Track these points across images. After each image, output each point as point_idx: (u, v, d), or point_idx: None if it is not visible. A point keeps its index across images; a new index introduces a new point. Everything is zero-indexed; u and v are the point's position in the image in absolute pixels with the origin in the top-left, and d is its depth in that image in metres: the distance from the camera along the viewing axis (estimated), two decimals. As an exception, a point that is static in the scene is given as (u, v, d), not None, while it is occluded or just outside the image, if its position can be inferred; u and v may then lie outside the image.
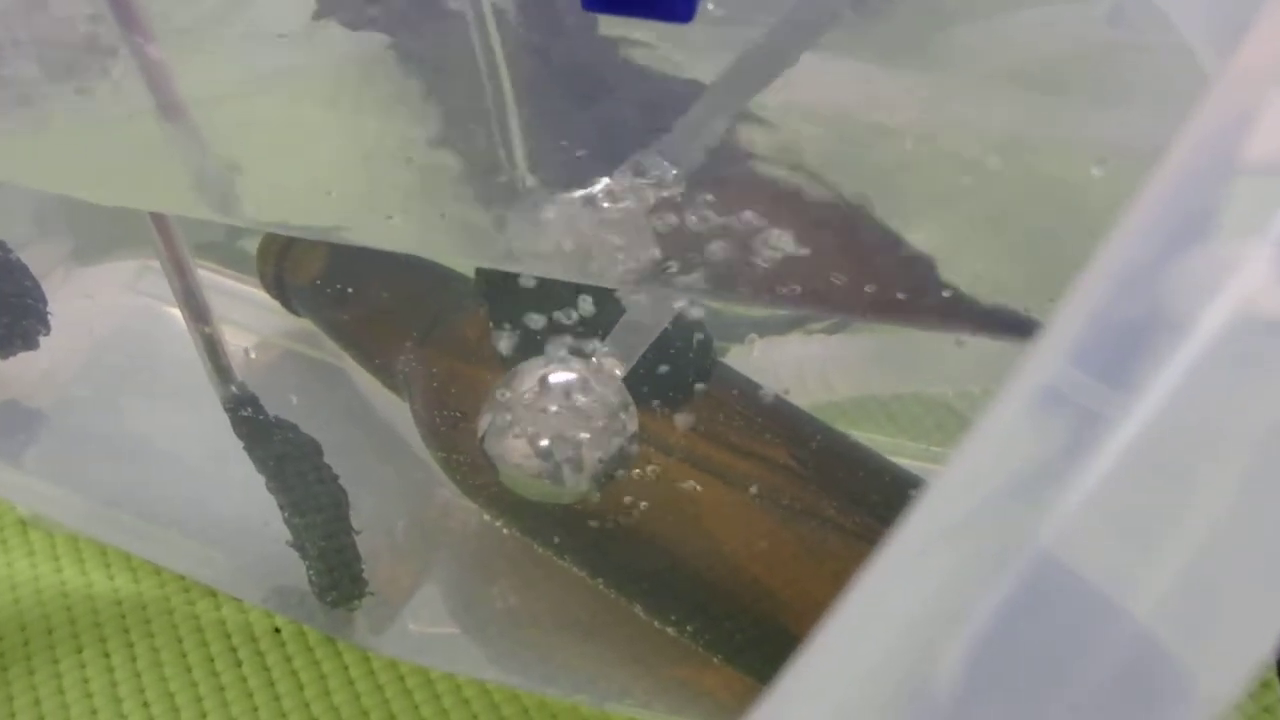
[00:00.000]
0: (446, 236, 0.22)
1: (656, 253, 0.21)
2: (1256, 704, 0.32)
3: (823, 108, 0.23)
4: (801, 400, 0.29)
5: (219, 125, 0.24)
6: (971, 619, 0.08)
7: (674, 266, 0.21)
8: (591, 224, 0.21)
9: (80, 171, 0.25)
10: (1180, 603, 0.08)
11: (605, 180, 0.21)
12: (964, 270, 0.22)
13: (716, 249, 0.21)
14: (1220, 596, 0.08)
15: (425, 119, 0.23)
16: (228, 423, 0.31)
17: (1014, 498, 0.09)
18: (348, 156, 0.23)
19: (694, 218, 0.22)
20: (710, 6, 0.16)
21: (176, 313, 0.30)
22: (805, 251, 0.21)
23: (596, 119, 0.23)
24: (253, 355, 0.33)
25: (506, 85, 0.23)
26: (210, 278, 0.38)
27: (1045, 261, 0.23)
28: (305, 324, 0.36)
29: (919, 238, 0.22)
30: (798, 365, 0.31)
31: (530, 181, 0.22)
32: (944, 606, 0.09)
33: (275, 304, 0.37)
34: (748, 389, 0.28)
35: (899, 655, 0.09)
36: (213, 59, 0.24)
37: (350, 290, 0.33)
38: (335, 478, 0.31)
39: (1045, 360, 0.10)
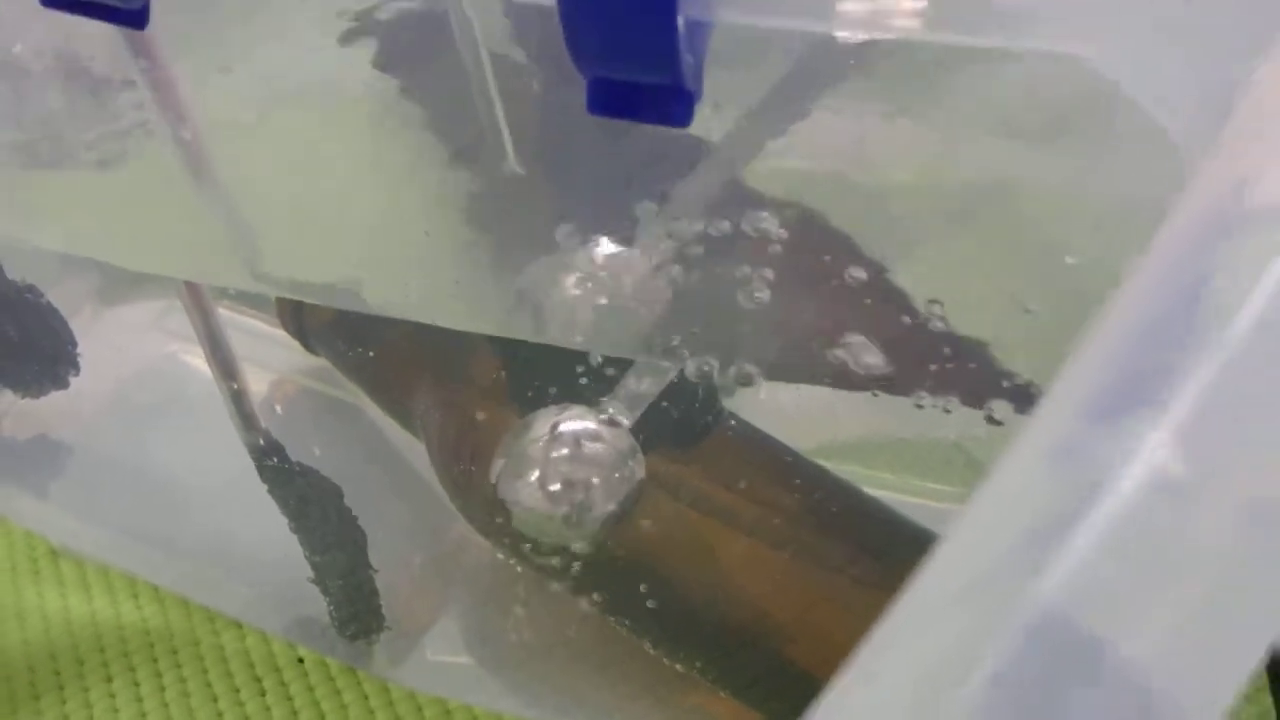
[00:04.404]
0: (461, 305, 0.23)
1: (666, 320, 0.22)
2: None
3: (826, 160, 0.24)
4: (807, 441, 0.30)
5: (238, 190, 0.25)
6: (978, 673, 0.09)
7: (680, 337, 0.22)
8: (603, 292, 0.22)
9: (105, 237, 0.25)
10: (1178, 647, 0.09)
11: (613, 246, 0.22)
12: (961, 319, 0.23)
13: (729, 315, 0.22)
14: (1213, 639, 0.09)
15: (446, 183, 0.23)
16: (251, 462, 0.32)
17: (1022, 553, 0.10)
18: (365, 222, 0.24)
19: (707, 280, 0.22)
20: (708, 112, 0.17)
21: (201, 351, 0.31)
22: (822, 315, 0.22)
23: (601, 178, 0.24)
24: (278, 410, 0.34)
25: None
26: (230, 316, 0.39)
27: (1040, 317, 0.23)
28: (323, 362, 0.37)
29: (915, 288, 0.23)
30: (803, 406, 0.31)
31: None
32: (953, 663, 0.09)
33: (294, 342, 0.37)
34: (753, 434, 0.29)
35: (908, 707, 0.09)
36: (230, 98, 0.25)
37: (366, 332, 0.34)
38: (355, 519, 0.32)
39: (1054, 415, 0.10)
